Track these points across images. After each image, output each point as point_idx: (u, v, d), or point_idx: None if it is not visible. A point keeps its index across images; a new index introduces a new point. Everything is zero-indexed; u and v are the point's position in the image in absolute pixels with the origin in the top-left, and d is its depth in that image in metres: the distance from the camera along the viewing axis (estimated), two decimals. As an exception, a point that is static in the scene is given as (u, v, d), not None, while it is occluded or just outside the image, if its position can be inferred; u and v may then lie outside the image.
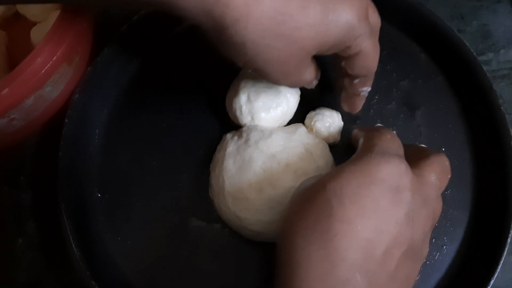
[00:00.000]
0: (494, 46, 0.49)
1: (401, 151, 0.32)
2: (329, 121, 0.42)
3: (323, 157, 0.41)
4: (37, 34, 0.46)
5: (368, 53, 0.34)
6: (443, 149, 0.43)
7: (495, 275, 0.38)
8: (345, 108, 0.41)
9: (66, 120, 0.41)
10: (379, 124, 0.43)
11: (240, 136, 0.41)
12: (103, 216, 0.41)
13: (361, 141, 0.34)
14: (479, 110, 0.43)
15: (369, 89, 0.39)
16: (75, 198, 0.40)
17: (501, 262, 0.38)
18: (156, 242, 0.41)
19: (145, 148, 0.44)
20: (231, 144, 0.41)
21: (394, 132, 0.34)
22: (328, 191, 0.28)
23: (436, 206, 0.32)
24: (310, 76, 0.37)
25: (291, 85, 0.39)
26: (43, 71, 0.34)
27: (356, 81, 0.37)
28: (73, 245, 0.38)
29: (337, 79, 0.40)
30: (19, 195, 0.43)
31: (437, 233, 0.41)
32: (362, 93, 0.39)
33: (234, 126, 0.43)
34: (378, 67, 0.45)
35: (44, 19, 0.46)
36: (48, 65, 0.35)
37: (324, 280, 0.26)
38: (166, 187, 0.42)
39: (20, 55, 0.35)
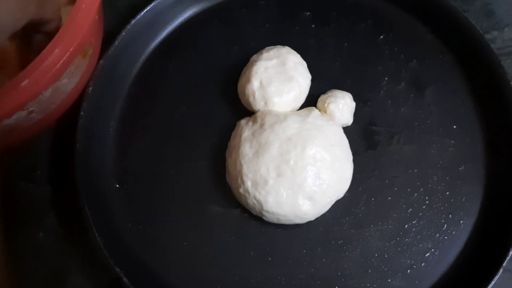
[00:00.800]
0: (498, 24, 0.49)
1: None
2: (342, 102, 0.42)
3: (338, 138, 0.41)
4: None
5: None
6: (454, 127, 0.44)
7: (511, 250, 0.38)
8: None
9: (82, 113, 0.42)
10: None
11: (254, 121, 0.42)
12: (123, 206, 0.41)
13: None
14: (488, 86, 0.44)
15: None
16: (94, 189, 0.40)
17: (517, 235, 0.39)
18: (176, 229, 0.41)
19: (160, 138, 0.44)
20: (246, 129, 0.41)
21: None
22: None
23: None
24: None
25: None
26: (60, 62, 0.34)
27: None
28: (96, 234, 0.38)
29: None
30: (36, 190, 0.43)
31: (453, 208, 0.41)
32: None
33: (247, 112, 0.44)
34: (386, 49, 0.47)
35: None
36: (65, 56, 0.35)
37: None
38: (182, 175, 0.43)
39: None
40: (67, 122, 0.43)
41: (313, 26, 0.48)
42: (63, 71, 0.36)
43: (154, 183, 0.42)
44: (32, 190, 0.43)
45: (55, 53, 0.34)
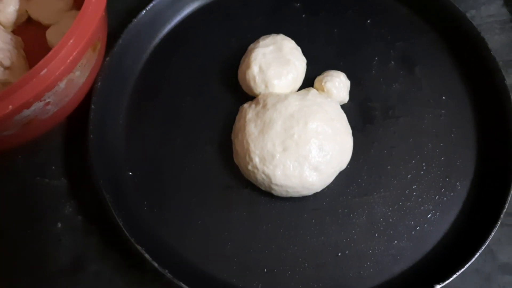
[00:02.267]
0: (475, 3, 0.53)
1: None
2: (337, 80, 0.45)
3: (337, 113, 0.44)
4: (53, 35, 0.48)
5: None
6: (444, 98, 0.47)
7: (507, 202, 0.41)
8: None
9: (92, 106, 0.44)
10: None
11: (257, 103, 0.44)
12: (137, 192, 0.43)
13: None
14: (471, 57, 0.47)
15: None
16: (109, 177, 0.42)
17: (511, 192, 0.41)
18: (189, 210, 0.43)
19: (168, 127, 0.46)
20: (250, 111, 0.44)
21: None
22: None
23: None
24: None
25: None
26: (74, 53, 0.37)
27: None
28: (115, 215, 0.39)
29: None
30: (52, 184, 0.45)
31: (449, 171, 0.44)
32: None
33: (248, 98, 0.46)
34: (374, 32, 0.50)
35: (57, 21, 0.49)
36: (79, 47, 0.37)
37: None
38: (192, 160, 0.45)
39: (37, 57, 0.37)
40: (77, 120, 0.45)
41: (304, 16, 0.51)
42: (76, 62, 0.38)
43: (165, 168, 0.44)
44: (47, 185, 0.45)
45: (70, 44, 0.37)
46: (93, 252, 0.42)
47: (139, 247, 0.38)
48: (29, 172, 0.45)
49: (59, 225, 0.43)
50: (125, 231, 0.39)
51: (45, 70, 0.35)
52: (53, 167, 0.45)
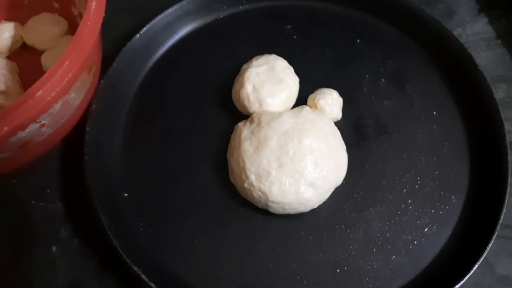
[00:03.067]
0: (461, 22, 0.54)
1: None
2: (330, 98, 0.46)
3: (331, 129, 0.44)
4: (48, 60, 0.49)
5: None
6: (435, 113, 0.48)
7: (502, 214, 0.41)
8: None
9: (87, 128, 0.44)
10: None
11: (251, 121, 0.44)
12: (134, 213, 0.43)
13: None
14: (460, 73, 0.48)
15: None
16: (105, 199, 0.42)
17: (505, 202, 0.41)
18: (186, 230, 0.42)
19: (163, 148, 0.46)
20: (245, 129, 0.44)
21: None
22: None
23: None
24: None
25: None
26: (69, 75, 0.37)
27: None
28: (111, 236, 0.39)
29: None
30: (47, 207, 0.44)
31: (444, 185, 0.44)
32: None
33: (243, 117, 0.47)
34: (364, 51, 0.51)
35: (52, 46, 0.50)
36: (74, 69, 0.37)
37: None
38: (188, 180, 0.45)
39: (32, 82, 0.38)
40: (72, 143, 0.45)
41: (295, 37, 0.52)
42: (71, 84, 0.39)
43: (161, 189, 0.44)
44: (43, 208, 0.44)
45: (65, 66, 0.37)
46: (89, 275, 0.42)
47: (135, 268, 0.38)
48: (24, 196, 0.45)
49: (54, 248, 0.43)
50: (122, 253, 0.39)
51: (41, 91, 0.36)
52: (48, 191, 0.45)
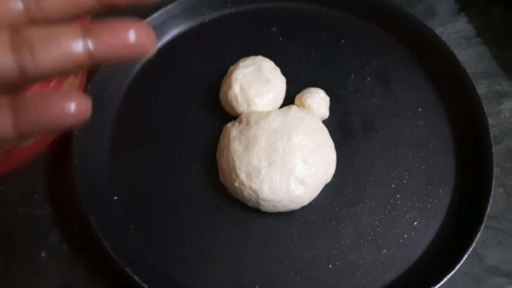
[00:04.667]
0: (441, 21, 0.56)
1: None
2: (317, 96, 0.46)
3: (319, 127, 0.45)
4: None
5: None
6: (420, 109, 0.49)
7: (489, 205, 0.42)
8: None
9: (75, 132, 0.44)
10: None
11: (240, 122, 0.45)
12: (124, 216, 0.43)
13: None
14: (443, 70, 0.49)
15: None
16: (94, 201, 0.42)
17: (491, 194, 0.42)
18: (177, 231, 0.42)
19: (152, 150, 0.46)
20: (233, 129, 0.44)
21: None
22: None
23: None
24: None
25: None
26: (57, 77, 0.37)
27: None
28: (102, 239, 0.39)
29: None
30: (35, 213, 0.44)
31: (431, 179, 0.45)
32: None
33: (231, 118, 0.47)
34: (348, 51, 0.52)
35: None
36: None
37: None
38: (178, 181, 0.45)
39: None
40: (60, 148, 0.45)
41: (280, 39, 0.53)
42: (60, 85, 0.39)
43: (151, 191, 0.44)
44: (31, 214, 0.44)
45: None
46: (80, 279, 0.41)
47: (127, 270, 0.38)
48: (11, 202, 0.44)
49: (43, 254, 0.42)
50: (113, 254, 0.38)
51: (28, 93, 0.35)
52: (36, 196, 0.45)
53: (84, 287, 0.41)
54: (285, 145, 0.42)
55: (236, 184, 0.42)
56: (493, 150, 0.44)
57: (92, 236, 0.40)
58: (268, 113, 0.44)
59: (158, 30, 0.51)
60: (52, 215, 0.44)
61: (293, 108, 0.45)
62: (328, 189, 0.44)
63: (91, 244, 0.41)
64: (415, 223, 0.43)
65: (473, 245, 0.40)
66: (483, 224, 0.41)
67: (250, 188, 0.41)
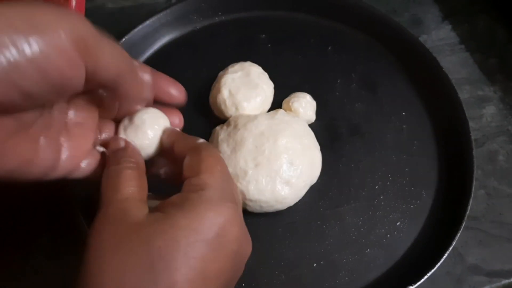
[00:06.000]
0: (426, 29, 0.57)
1: (229, 185, 0.30)
2: (304, 101, 0.48)
3: (305, 130, 0.46)
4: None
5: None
6: (404, 113, 0.50)
7: (469, 206, 0.43)
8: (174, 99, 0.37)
9: (68, 135, 0.45)
10: (200, 140, 0.33)
11: (228, 125, 0.46)
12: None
13: (186, 162, 0.30)
14: (426, 76, 0.51)
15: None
16: (88, 202, 0.43)
17: (472, 195, 0.43)
18: (167, 231, 0.43)
19: (143, 153, 0.47)
20: (222, 132, 0.46)
21: (219, 151, 0.32)
22: (152, 250, 0.25)
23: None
24: None
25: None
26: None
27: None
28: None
29: None
30: (29, 214, 0.45)
31: (414, 181, 0.46)
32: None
33: (220, 121, 0.48)
34: (335, 57, 0.53)
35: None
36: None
37: None
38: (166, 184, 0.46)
39: None
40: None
41: (269, 45, 0.55)
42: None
43: (142, 192, 0.45)
44: (24, 216, 0.45)
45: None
46: (72, 281, 0.42)
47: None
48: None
49: (37, 255, 0.43)
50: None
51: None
52: (30, 197, 0.46)
53: None
54: (271, 147, 0.43)
55: (224, 185, 0.43)
56: (474, 153, 0.45)
57: (84, 238, 0.41)
58: (255, 117, 0.46)
59: (151, 37, 0.53)
60: (45, 216, 0.45)
61: (280, 111, 0.47)
62: (313, 190, 0.45)
63: (83, 246, 0.41)
64: (398, 223, 0.44)
65: (453, 244, 0.41)
66: (463, 224, 0.42)
67: (238, 189, 0.42)
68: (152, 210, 0.28)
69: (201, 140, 0.32)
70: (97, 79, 0.27)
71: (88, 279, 0.25)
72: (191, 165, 0.30)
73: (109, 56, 0.27)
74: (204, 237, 0.26)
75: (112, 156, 0.31)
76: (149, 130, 0.32)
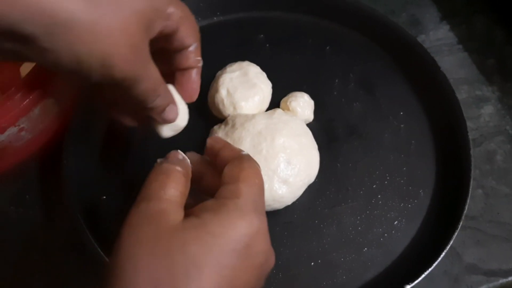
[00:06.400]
0: (424, 29, 0.58)
1: (262, 198, 0.31)
2: (301, 100, 0.48)
3: (302, 129, 0.46)
4: (26, 69, 0.50)
5: (191, 15, 0.36)
6: (401, 113, 0.50)
7: (466, 205, 0.43)
8: (187, 98, 0.39)
9: (67, 133, 0.45)
10: (244, 152, 0.33)
11: (226, 124, 0.46)
12: (113, 215, 0.44)
13: (227, 169, 0.31)
14: (424, 76, 0.51)
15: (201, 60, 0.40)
16: (84, 202, 0.43)
17: (469, 195, 0.43)
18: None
19: (141, 152, 0.47)
20: (220, 132, 0.46)
21: (258, 165, 0.32)
22: (187, 256, 0.26)
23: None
24: (154, 75, 0.33)
25: (137, 77, 0.31)
26: (46, 81, 0.39)
27: (191, 48, 0.37)
28: (92, 240, 0.40)
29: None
30: (26, 213, 0.45)
31: (411, 181, 0.46)
32: (199, 64, 0.39)
33: (218, 121, 0.48)
34: (333, 58, 0.53)
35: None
36: (50, 74, 0.39)
37: None
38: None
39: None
40: (52, 150, 0.46)
41: (267, 45, 0.55)
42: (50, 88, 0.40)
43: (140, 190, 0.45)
44: (22, 214, 0.45)
45: (41, 71, 0.39)
46: (71, 281, 0.42)
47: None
48: (2, 202, 0.46)
49: (34, 255, 0.43)
50: (103, 255, 0.39)
51: (19, 94, 0.37)
52: (28, 196, 0.46)
53: (75, 286, 0.42)
54: (268, 147, 0.43)
55: (221, 184, 0.43)
56: (471, 152, 0.45)
57: (82, 235, 0.41)
58: (253, 116, 0.46)
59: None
60: (43, 215, 0.45)
61: (278, 111, 0.47)
62: (311, 189, 0.45)
63: (80, 245, 0.42)
64: (396, 222, 0.44)
65: (451, 243, 0.41)
66: (461, 224, 0.42)
67: (235, 188, 0.42)
68: (186, 213, 0.28)
69: (245, 152, 0.33)
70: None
71: (120, 275, 0.25)
72: (232, 172, 0.30)
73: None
74: (236, 246, 0.27)
75: (169, 156, 0.32)
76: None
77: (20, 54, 0.27)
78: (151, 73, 0.32)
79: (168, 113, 0.36)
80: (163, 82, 0.34)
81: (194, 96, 0.40)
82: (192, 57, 0.38)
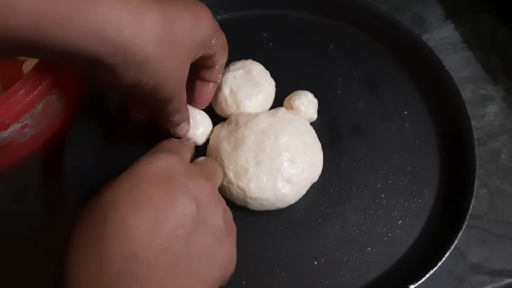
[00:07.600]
0: (428, 28, 0.57)
1: (178, 148, 0.38)
2: (305, 99, 0.48)
3: (306, 128, 0.46)
4: (29, 68, 0.50)
5: (225, 40, 0.43)
6: (405, 112, 0.50)
7: (471, 205, 0.42)
8: (200, 105, 0.46)
9: (69, 131, 0.45)
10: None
11: (229, 123, 0.46)
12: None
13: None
14: (428, 74, 0.50)
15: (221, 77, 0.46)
16: (86, 198, 0.43)
17: (474, 194, 0.43)
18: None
19: (144, 149, 0.47)
20: (223, 130, 0.46)
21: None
22: (102, 202, 0.31)
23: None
24: (183, 98, 0.40)
25: (173, 99, 0.38)
26: (49, 77, 0.39)
27: (217, 67, 0.44)
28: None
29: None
30: (28, 210, 0.45)
31: (415, 180, 0.46)
32: (218, 80, 0.46)
33: (221, 119, 0.48)
34: (337, 56, 0.53)
35: (34, 55, 0.51)
36: (54, 70, 0.39)
37: (99, 279, 0.28)
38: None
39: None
40: (53, 146, 0.46)
41: (271, 44, 0.55)
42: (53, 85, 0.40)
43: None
44: (24, 212, 0.45)
45: (45, 68, 0.38)
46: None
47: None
48: (4, 199, 0.45)
49: (36, 252, 0.43)
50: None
51: (23, 90, 0.37)
52: (30, 194, 0.46)
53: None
54: (272, 145, 0.43)
55: (224, 183, 0.43)
56: (476, 151, 0.45)
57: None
58: (257, 115, 0.45)
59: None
60: (45, 213, 0.45)
61: (281, 110, 0.47)
62: (315, 188, 0.45)
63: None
64: (400, 222, 0.44)
65: (455, 243, 0.41)
66: (465, 223, 0.42)
67: (238, 187, 0.42)
68: None
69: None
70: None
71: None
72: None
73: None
74: (143, 178, 0.33)
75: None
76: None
77: (89, 71, 0.33)
78: (183, 96, 0.39)
79: (180, 129, 0.42)
80: (186, 103, 0.41)
81: (206, 104, 0.46)
82: (216, 74, 0.44)
